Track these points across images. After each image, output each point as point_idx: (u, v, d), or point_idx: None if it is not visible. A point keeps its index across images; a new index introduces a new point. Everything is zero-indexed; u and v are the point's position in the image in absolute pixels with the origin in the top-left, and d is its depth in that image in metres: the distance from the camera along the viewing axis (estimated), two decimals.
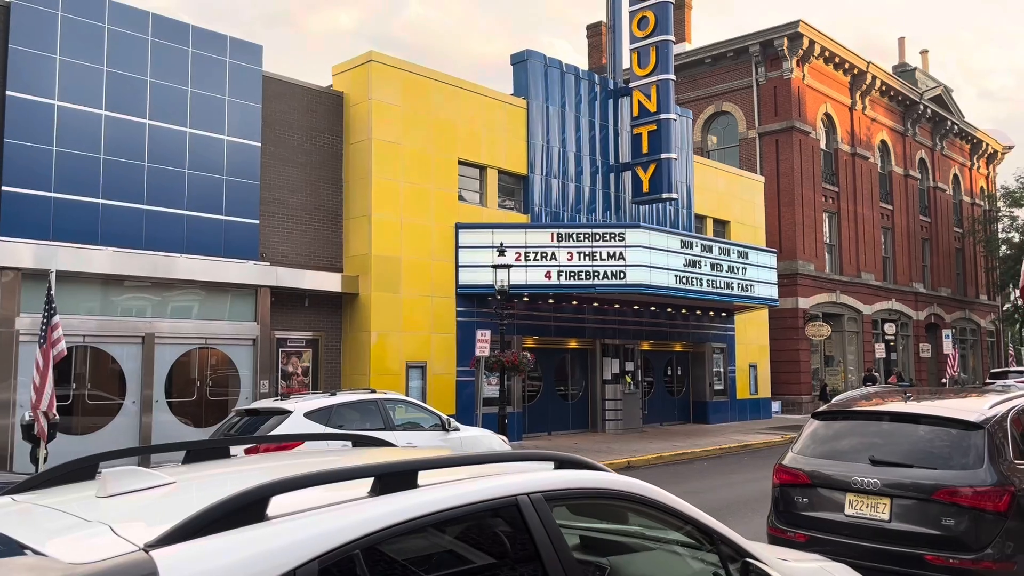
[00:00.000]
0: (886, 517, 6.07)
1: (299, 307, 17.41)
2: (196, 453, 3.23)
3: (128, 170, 14.78)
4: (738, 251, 23.11)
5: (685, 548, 3.39)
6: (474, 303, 19.48)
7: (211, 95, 16.00)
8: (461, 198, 19.93)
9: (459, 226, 19.36)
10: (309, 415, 10.39)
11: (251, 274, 16.03)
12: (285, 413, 10.34)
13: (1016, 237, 43.84)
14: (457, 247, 19.33)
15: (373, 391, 11.88)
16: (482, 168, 20.44)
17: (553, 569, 2.57)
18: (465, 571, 2.55)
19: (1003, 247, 44.39)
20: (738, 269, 22.78)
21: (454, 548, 2.55)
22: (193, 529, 1.97)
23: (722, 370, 27.19)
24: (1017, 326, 48.45)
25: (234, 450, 8.30)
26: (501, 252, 16.88)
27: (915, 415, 6.66)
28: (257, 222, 16.56)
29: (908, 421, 6.63)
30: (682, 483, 13.81)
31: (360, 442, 3.79)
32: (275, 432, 10.04)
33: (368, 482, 2.39)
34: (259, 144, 16.69)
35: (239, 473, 2.86)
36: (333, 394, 11.27)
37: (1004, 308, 48.12)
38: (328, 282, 17.38)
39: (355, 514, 2.22)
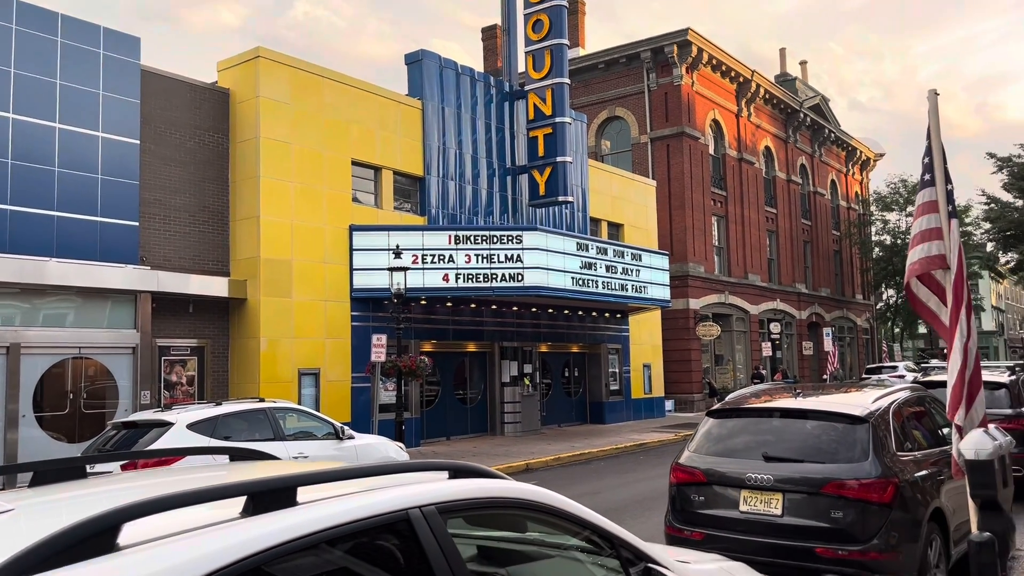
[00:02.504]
0: (779, 512, 6.17)
1: (183, 313, 16.57)
2: (46, 474, 2.88)
3: None
4: (632, 253, 23.52)
5: (585, 554, 3.28)
6: (370, 307, 19.05)
7: (84, 89, 15.03)
8: (355, 200, 19.47)
9: (353, 228, 18.90)
10: (192, 427, 9.82)
11: (130, 279, 15.13)
12: (166, 425, 9.74)
13: (888, 240, 46.54)
14: (351, 250, 18.86)
15: (262, 400, 11.37)
16: (377, 169, 20.04)
17: None
18: None
19: (876, 249, 47.05)
20: (632, 271, 23.18)
21: (337, 569, 2.33)
22: (28, 566, 1.69)
23: (617, 370, 27.63)
24: (889, 324, 51.45)
25: (109, 467, 7.65)
26: (397, 255, 16.56)
27: (804, 411, 6.82)
28: (136, 224, 15.65)
29: (798, 417, 6.78)
30: (581, 484, 13.85)
31: (239, 455, 3.50)
32: (155, 446, 9.45)
33: (240, 501, 2.15)
34: (138, 142, 15.79)
35: (92, 496, 2.54)
36: (219, 404, 10.71)
37: (877, 307, 51.00)
38: (214, 287, 16.61)
39: (222, 538, 1.98)
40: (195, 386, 16.70)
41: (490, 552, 3.19)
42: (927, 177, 4.39)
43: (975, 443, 4.12)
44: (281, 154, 17.63)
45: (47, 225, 14.30)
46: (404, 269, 16.45)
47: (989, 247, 45.31)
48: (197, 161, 17.08)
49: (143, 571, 1.79)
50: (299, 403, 16.55)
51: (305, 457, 10.71)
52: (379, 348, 15.97)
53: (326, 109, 18.71)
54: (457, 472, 2.81)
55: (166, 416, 9.98)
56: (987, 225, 40.78)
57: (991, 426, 4.40)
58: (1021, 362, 25.04)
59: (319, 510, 2.22)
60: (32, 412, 13.86)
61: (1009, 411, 10.90)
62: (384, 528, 2.37)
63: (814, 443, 6.49)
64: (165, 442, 9.51)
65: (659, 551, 3.47)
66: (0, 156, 13.86)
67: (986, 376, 10.47)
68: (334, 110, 18.89)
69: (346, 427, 11.65)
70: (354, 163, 19.39)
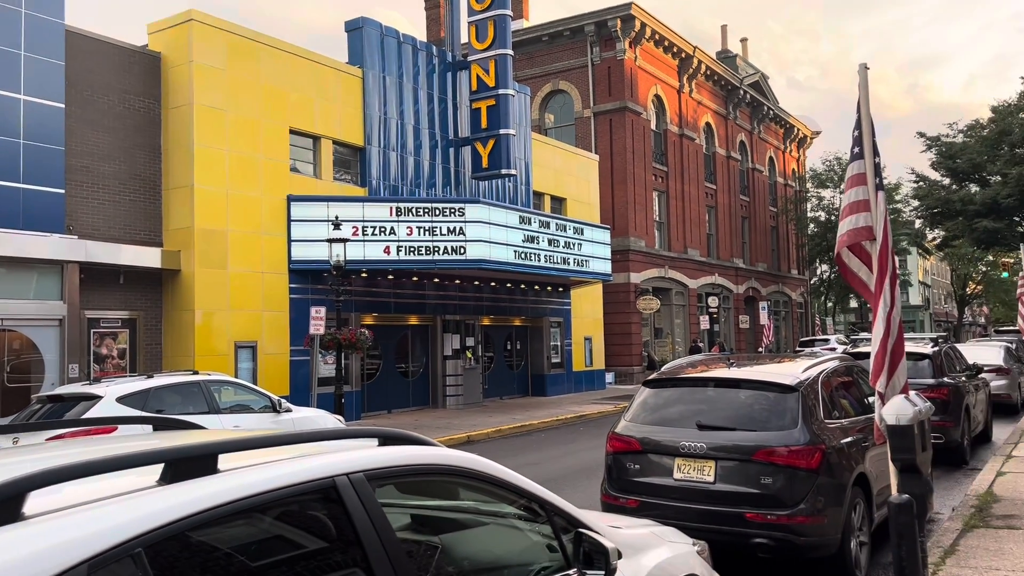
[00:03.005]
0: (711, 479, 6.30)
1: (113, 284, 16.07)
2: None
3: None
4: (574, 227, 23.62)
5: (520, 521, 3.29)
6: (309, 279, 18.76)
7: (4, 49, 14.32)
8: (294, 169, 19.08)
9: (292, 199, 18.54)
10: (123, 400, 9.56)
11: (56, 248, 14.59)
12: (94, 398, 9.47)
13: (822, 216, 47.69)
14: (290, 221, 18.51)
15: (196, 372, 11.13)
16: (316, 138, 19.65)
17: (375, 554, 2.36)
18: (275, 563, 2.28)
19: (811, 225, 48.19)
20: (575, 245, 23.29)
21: (263, 538, 2.28)
22: None
23: (559, 343, 27.84)
24: (823, 298, 52.90)
25: (33, 438, 7.39)
26: (337, 226, 16.31)
27: (737, 380, 6.96)
28: (62, 191, 15.06)
29: (731, 386, 6.92)
30: (522, 455, 13.95)
31: (165, 426, 3.41)
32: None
33: (158, 470, 2.08)
34: (62, 105, 15.15)
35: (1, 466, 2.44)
36: (150, 376, 10.45)
37: (812, 282, 52.35)
38: (146, 257, 16.14)
39: (135, 508, 1.91)
40: (127, 359, 16.26)
41: (424, 520, 3.17)
42: (856, 150, 4.47)
43: (896, 409, 4.26)
44: (216, 121, 17.14)
45: None
46: (344, 241, 16.21)
47: (917, 224, 46.83)
48: (127, 127, 16.49)
49: (47, 542, 1.73)
50: (236, 377, 16.26)
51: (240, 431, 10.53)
52: (318, 321, 15.76)
53: (263, 76, 18.22)
54: (387, 439, 2.78)
55: (94, 389, 9.70)
56: (916, 203, 42.10)
57: (912, 393, 4.55)
58: (944, 335, 26.04)
59: (240, 478, 2.17)
60: None
61: (932, 381, 11.33)
62: (310, 496, 2.33)
63: (746, 412, 6.63)
64: (93, 416, 9.24)
65: (592, 517, 3.50)
66: None
67: (911, 347, 10.85)
68: (271, 77, 18.41)
69: (283, 400, 11.50)
70: (292, 132, 18.97)
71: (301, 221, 18.49)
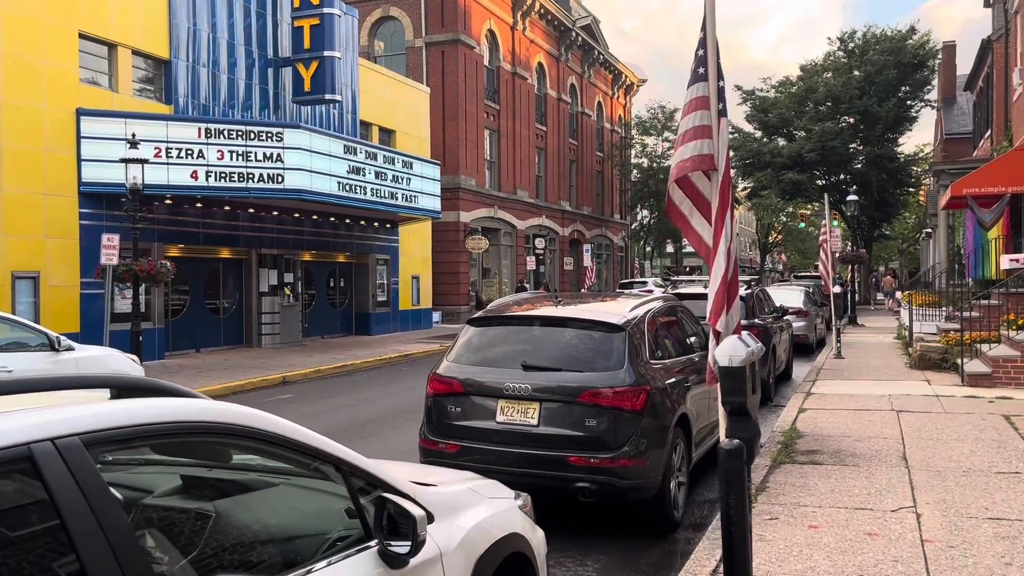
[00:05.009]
0: (535, 422, 5.99)
1: None
2: None
3: None
4: (403, 161, 22.73)
5: (313, 482, 2.73)
6: (103, 204, 16.82)
7: None
8: (87, 81, 16.89)
9: (81, 112, 16.42)
10: None
11: None
12: None
13: (645, 163, 49.30)
14: (79, 138, 16.42)
15: None
16: (112, 46, 17.44)
17: (88, 544, 1.73)
18: None
19: (635, 171, 49.73)
20: (403, 179, 22.44)
21: None
22: None
23: (385, 282, 27.08)
24: (642, 243, 55.10)
25: None
26: (134, 145, 14.57)
27: (564, 319, 6.66)
28: None
29: (557, 325, 6.61)
30: (340, 396, 13.28)
31: None
32: None
33: None
34: None
35: None
36: None
37: (632, 227, 54.30)
38: None
39: None
40: None
41: (197, 482, 2.54)
42: (701, 71, 4.13)
43: (729, 350, 4.03)
44: None
45: None
46: (142, 162, 14.54)
47: (732, 173, 49.43)
48: None
49: None
50: (13, 310, 14.39)
51: (10, 371, 9.17)
52: (110, 250, 14.12)
53: None
54: (123, 391, 2.10)
55: None
56: (731, 153, 44.34)
57: (744, 333, 4.35)
58: (756, 278, 27.74)
59: None
60: None
61: (745, 322, 11.72)
62: None
63: (572, 352, 6.36)
64: None
65: (401, 475, 3.00)
66: None
67: None
68: None
69: (63, 337, 10.14)
70: (82, 36, 16.71)
71: (94, 139, 16.45)
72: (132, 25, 17.71)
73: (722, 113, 4.20)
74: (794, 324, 16.48)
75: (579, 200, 44.95)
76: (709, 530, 5.67)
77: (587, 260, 35.26)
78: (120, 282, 15.15)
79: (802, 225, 65.77)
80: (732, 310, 4.13)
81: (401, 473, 3.24)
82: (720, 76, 4.20)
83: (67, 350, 9.97)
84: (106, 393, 2.08)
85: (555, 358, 6.29)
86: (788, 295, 18.97)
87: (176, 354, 19.06)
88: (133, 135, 15.05)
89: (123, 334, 15.73)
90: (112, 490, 1.87)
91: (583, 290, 37.89)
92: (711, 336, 4.35)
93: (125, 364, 10.90)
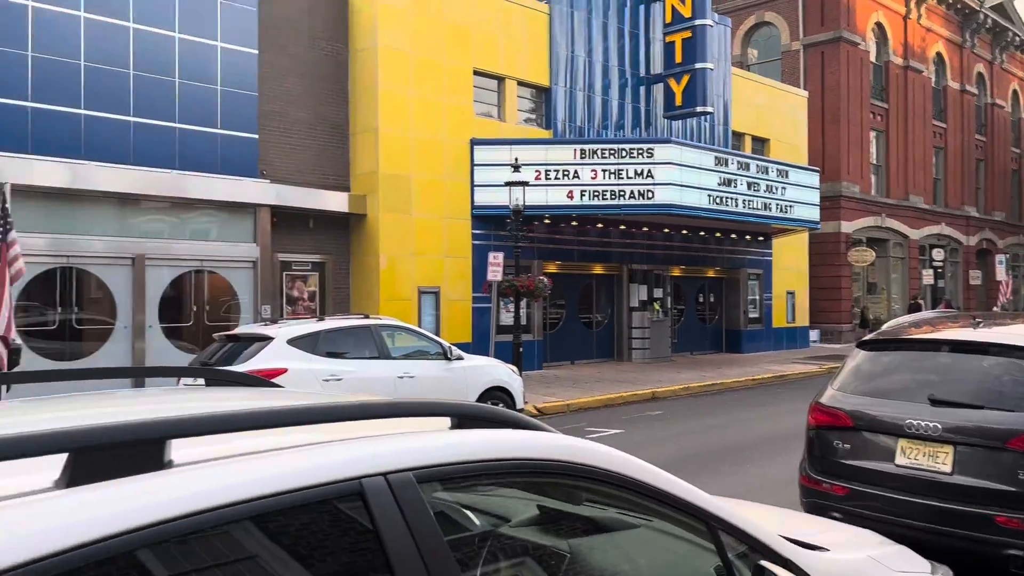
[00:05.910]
0: (947, 469, 4.94)
1: (303, 228, 16.41)
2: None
3: (112, 78, 13.67)
4: (777, 170, 21.51)
5: (676, 528, 2.32)
6: (491, 225, 18.30)
7: None
8: (478, 112, 18.57)
9: (474, 142, 18.06)
10: (293, 342, 9.45)
11: (250, 192, 15.00)
12: (266, 339, 9.41)
13: None
14: (472, 165, 18.07)
15: (366, 316, 10.90)
16: (500, 79, 18.98)
17: None
18: None
19: None
20: (777, 189, 21.23)
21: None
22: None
23: (757, 297, 25.87)
24: None
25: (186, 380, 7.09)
26: (516, 168, 15.60)
27: (985, 344, 5.43)
28: (256, 136, 15.43)
29: (976, 352, 5.41)
30: (709, 415, 12.76)
31: (220, 379, 2.72)
32: (255, 360, 9.15)
33: (60, 463, 1.32)
34: (256, 51, 15.43)
35: None
36: (321, 319, 10.32)
37: None
38: (333, 202, 16.31)
39: None
40: (316, 302, 16.65)
41: (550, 517, 2.29)
42: None
43: None
44: (400, 63, 16.89)
45: (168, 137, 14.27)
46: (524, 184, 15.49)
47: None
48: (315, 72, 16.62)
49: None
50: (419, 322, 16.20)
51: (412, 377, 10.21)
52: (495, 266, 15.22)
53: (446, 14, 17.73)
54: (464, 420, 1.88)
55: (267, 331, 9.66)
56: None
57: None
58: None
59: (194, 481, 1.36)
60: (158, 323, 14.11)
61: None
62: (316, 508, 1.49)
63: (995, 385, 5.15)
64: (265, 356, 9.20)
65: (776, 529, 2.46)
66: (123, 67, 13.82)
67: None
68: (455, 15, 17.88)
69: (455, 347, 11.04)
70: (476, 73, 18.41)
71: (484, 165, 18.00)
72: (518, 58, 19.10)
73: None
74: None
75: (988, 204, 38.93)
76: None
77: (1000, 273, 30.25)
78: (503, 296, 16.29)
79: None
80: None
81: (784, 522, 2.70)
82: None
83: (457, 359, 10.83)
84: (446, 422, 1.87)
85: (973, 392, 5.15)
86: None
87: (552, 365, 20.04)
88: (516, 159, 16.13)
89: (507, 345, 16.89)
90: (439, 529, 1.64)
91: (995, 308, 32.61)
92: None
93: (505, 373, 11.56)
